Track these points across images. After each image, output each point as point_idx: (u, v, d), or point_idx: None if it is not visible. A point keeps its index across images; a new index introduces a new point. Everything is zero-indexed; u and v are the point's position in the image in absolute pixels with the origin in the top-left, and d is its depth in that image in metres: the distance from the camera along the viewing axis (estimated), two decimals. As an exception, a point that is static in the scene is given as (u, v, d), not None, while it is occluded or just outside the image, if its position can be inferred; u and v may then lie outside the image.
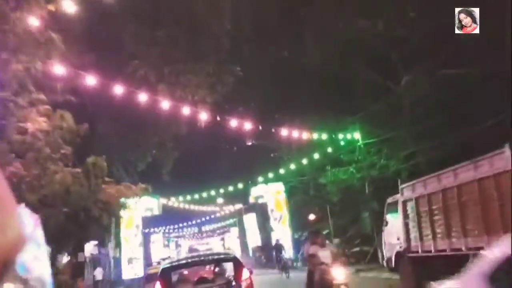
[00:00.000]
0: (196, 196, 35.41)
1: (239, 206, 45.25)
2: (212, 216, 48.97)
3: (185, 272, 9.05)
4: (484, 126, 18.58)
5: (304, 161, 25.35)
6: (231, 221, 54.75)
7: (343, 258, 10.29)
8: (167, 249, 64.86)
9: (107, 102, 13.30)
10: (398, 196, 13.18)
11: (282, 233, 32.18)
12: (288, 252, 31.19)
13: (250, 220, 43.35)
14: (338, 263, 9.06)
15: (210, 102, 15.30)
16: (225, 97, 16.77)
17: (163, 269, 8.19)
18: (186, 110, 13.36)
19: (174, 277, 8.68)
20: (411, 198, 11.93)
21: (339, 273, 8.83)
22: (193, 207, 39.01)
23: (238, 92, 19.20)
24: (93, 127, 13.28)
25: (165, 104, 12.77)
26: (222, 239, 74.96)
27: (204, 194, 34.89)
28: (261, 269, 30.22)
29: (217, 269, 9.08)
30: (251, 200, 32.91)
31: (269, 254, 34.72)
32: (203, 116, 14.16)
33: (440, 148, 20.10)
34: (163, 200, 33.76)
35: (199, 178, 34.10)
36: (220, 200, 43.67)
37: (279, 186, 32.74)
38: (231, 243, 56.33)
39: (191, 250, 63.84)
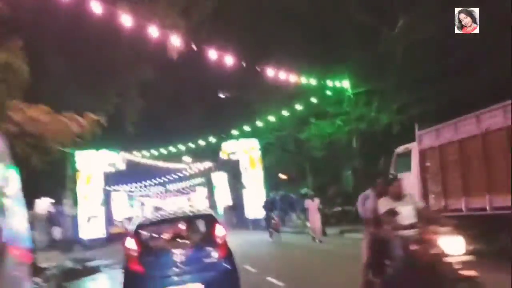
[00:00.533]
0: (163, 151, 32.64)
1: (208, 164, 42.84)
2: (179, 174, 46.39)
3: (159, 229, 8.63)
4: (486, 76, 16.66)
5: (285, 114, 22.91)
6: (198, 180, 52.42)
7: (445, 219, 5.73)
8: (130, 209, 62.41)
9: (51, 24, 10.40)
10: (412, 145, 11.00)
11: (256, 193, 30.12)
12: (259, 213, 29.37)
13: (220, 178, 41.13)
14: (446, 226, 4.90)
15: (183, 28, 12.41)
16: (201, 26, 13.89)
17: (138, 226, 7.94)
18: (153, 32, 10.52)
19: (148, 235, 8.38)
20: (434, 146, 9.73)
21: (454, 244, 4.80)
22: (158, 164, 36.27)
23: (217, 23, 16.34)
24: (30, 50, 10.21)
25: (127, 22, 9.91)
26: (189, 198, 72.97)
27: (172, 149, 32.15)
28: (234, 229, 28.21)
29: (191, 227, 8.54)
30: (223, 156, 30.38)
31: (240, 214, 32.75)
32: (175, 42, 11.33)
33: (437, 99, 18.09)
34: (127, 156, 30.86)
35: (167, 131, 31.25)
36: (187, 159, 41.18)
37: (254, 143, 30.39)
38: (198, 203, 54.18)
39: (156, 209, 61.60)
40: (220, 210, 39.76)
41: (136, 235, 7.59)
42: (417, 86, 19.06)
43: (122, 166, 29.53)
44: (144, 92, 23.74)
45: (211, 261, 7.31)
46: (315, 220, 18.05)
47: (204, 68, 15.82)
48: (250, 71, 17.38)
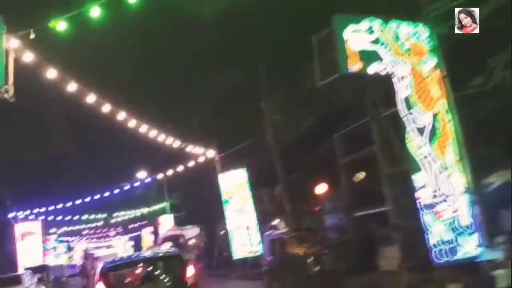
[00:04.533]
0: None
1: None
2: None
3: (126, 272, 8.72)
4: None
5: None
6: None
7: None
8: (52, 253, 45.42)
9: None
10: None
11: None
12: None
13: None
14: None
15: None
16: None
17: (104, 268, 8.08)
18: None
19: (116, 278, 8.35)
20: None
21: None
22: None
23: None
24: None
25: None
26: (134, 238, 54.38)
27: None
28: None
29: (160, 268, 8.59)
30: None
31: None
32: None
33: None
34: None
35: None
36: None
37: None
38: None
39: (87, 256, 45.59)
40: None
41: (104, 277, 7.62)
42: None
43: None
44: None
45: None
46: None
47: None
48: None
